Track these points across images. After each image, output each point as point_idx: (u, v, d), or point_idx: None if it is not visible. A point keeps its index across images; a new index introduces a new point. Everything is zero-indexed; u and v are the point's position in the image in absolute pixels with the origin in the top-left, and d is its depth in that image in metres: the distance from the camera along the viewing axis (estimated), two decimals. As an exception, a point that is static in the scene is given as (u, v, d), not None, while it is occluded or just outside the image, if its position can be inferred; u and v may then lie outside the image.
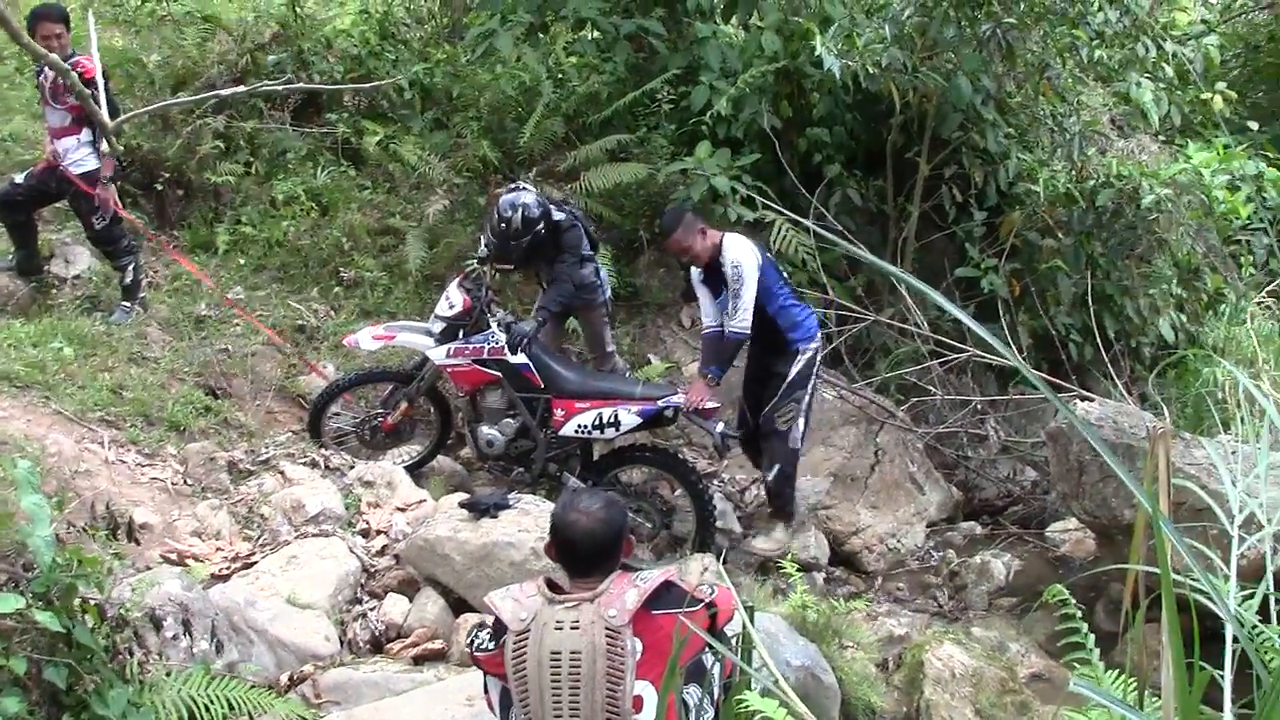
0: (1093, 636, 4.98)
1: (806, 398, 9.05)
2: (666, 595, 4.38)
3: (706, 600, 4.49)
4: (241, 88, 10.00)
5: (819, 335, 9.11)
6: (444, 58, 13.34)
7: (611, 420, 9.12)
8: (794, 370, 9.03)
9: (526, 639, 4.30)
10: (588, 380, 9.48)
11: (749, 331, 8.79)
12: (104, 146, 9.95)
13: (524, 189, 9.62)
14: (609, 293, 10.35)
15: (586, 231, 9.92)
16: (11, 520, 5.11)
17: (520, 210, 9.34)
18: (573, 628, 4.27)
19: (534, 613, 4.34)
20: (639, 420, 9.15)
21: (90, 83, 9.82)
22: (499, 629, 4.43)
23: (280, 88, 9.75)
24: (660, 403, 9.09)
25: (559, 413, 9.22)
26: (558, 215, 9.65)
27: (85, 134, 10.05)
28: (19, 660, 4.59)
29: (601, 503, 4.56)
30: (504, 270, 10.06)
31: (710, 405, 8.98)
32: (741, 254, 8.74)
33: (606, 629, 4.25)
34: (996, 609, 9.33)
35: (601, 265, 10.30)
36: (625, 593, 4.34)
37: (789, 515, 9.40)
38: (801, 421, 9.04)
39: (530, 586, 4.49)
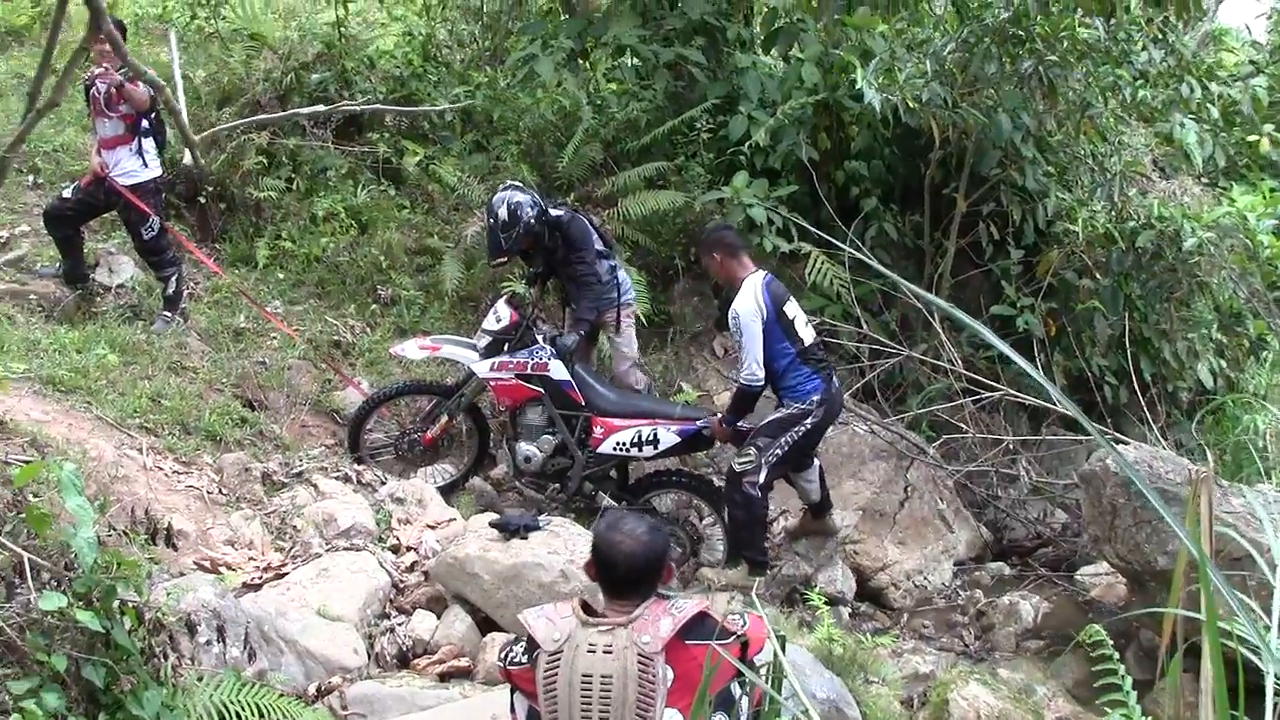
0: (1130, 680, 4.95)
1: (775, 449, 8.74)
2: (700, 626, 4.36)
3: (739, 633, 4.47)
4: (320, 107, 10.07)
5: (815, 404, 8.74)
6: (485, 81, 13.41)
7: (651, 438, 9.19)
8: (769, 417, 8.92)
9: (559, 659, 4.30)
10: (628, 399, 9.56)
11: (759, 381, 8.66)
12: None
13: (514, 186, 9.70)
14: (632, 294, 10.40)
15: (595, 228, 9.95)
16: (55, 521, 5.14)
17: (506, 204, 9.42)
18: (605, 652, 4.27)
19: (568, 634, 4.34)
20: (678, 440, 9.21)
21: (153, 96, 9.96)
22: (532, 646, 4.44)
23: (358, 108, 9.77)
24: (700, 423, 9.17)
25: (598, 430, 9.29)
26: (555, 211, 9.72)
27: (137, 144, 10.15)
28: (59, 657, 4.62)
29: (645, 526, 4.57)
30: (499, 265, 10.10)
31: (745, 428, 8.98)
32: (743, 304, 8.64)
33: (639, 655, 4.25)
34: (1023, 651, 9.24)
35: (620, 265, 10.37)
36: (660, 620, 4.33)
37: (752, 563, 9.00)
38: (762, 472, 8.71)
39: (565, 607, 4.48)
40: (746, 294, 8.66)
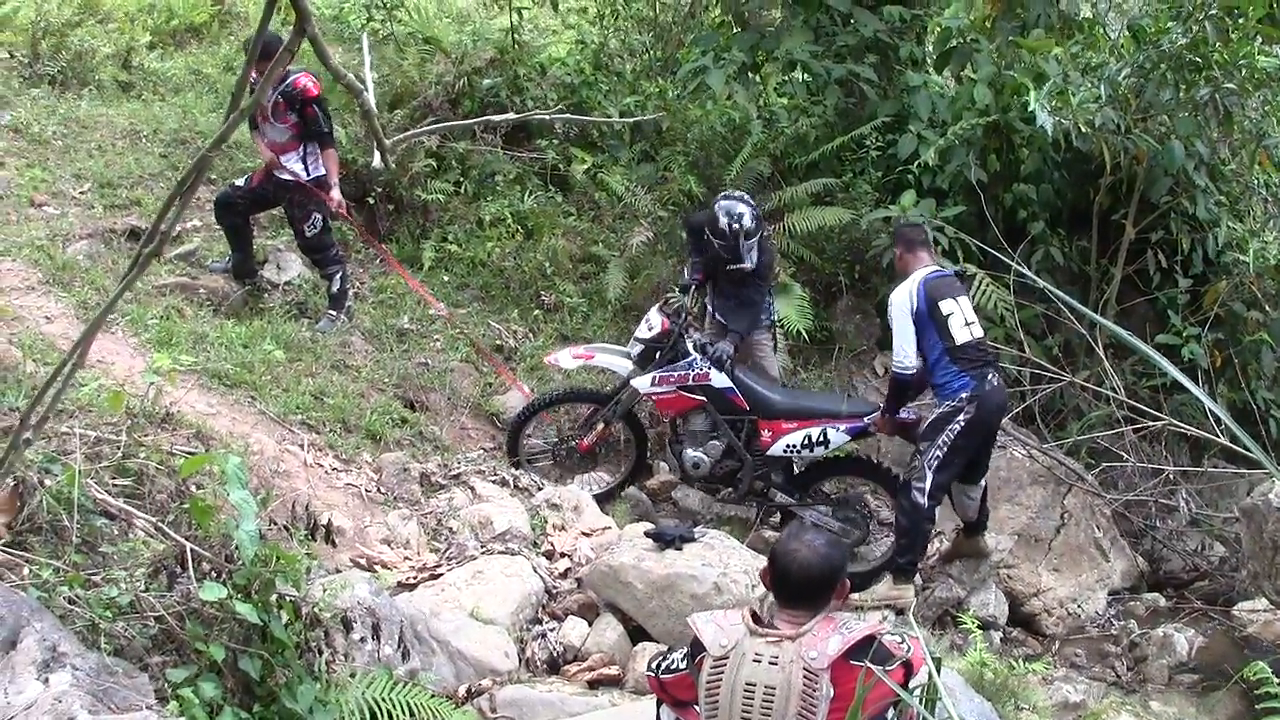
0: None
1: (934, 451, 8.74)
2: (868, 648, 4.37)
3: (903, 659, 4.47)
4: (512, 114, 10.20)
5: (964, 400, 8.68)
6: (655, 91, 13.46)
7: (821, 439, 9.29)
8: (929, 419, 8.95)
9: (724, 666, 4.34)
10: (793, 398, 9.62)
11: (909, 371, 8.71)
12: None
13: (739, 197, 9.70)
14: (775, 317, 10.44)
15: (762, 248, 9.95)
16: (217, 513, 5.25)
17: (748, 213, 9.46)
18: (771, 662, 4.30)
19: (735, 641, 4.38)
20: (847, 438, 9.35)
21: (315, 100, 10.14)
22: (696, 650, 4.47)
23: (548, 115, 9.79)
24: (867, 419, 9.26)
25: (766, 433, 9.36)
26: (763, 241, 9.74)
27: (302, 149, 10.38)
28: (218, 647, 4.70)
29: (825, 539, 4.62)
30: (737, 269, 9.73)
31: (909, 418, 9.12)
32: (897, 295, 8.74)
33: (805, 669, 4.27)
34: (1176, 685, 9.08)
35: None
36: (829, 638, 4.35)
37: (899, 571, 9.01)
38: (927, 478, 8.74)
39: (734, 615, 4.53)
40: (904, 285, 8.75)
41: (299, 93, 10.11)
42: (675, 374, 9.34)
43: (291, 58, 3.44)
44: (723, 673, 4.33)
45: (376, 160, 10.17)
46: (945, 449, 8.72)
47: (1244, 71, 10.96)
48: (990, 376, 8.79)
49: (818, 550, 4.50)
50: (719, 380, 9.30)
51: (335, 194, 10.37)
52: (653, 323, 9.47)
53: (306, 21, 3.14)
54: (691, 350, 9.38)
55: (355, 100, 3.97)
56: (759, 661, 4.31)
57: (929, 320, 8.65)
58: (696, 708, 4.48)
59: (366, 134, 12.17)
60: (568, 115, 12.81)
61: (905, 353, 8.66)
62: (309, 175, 10.36)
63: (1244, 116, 11.52)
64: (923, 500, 8.73)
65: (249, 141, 11.60)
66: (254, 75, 10.29)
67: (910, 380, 8.81)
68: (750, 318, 9.71)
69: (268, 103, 10.13)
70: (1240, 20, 10.85)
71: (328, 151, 10.44)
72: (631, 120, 12.63)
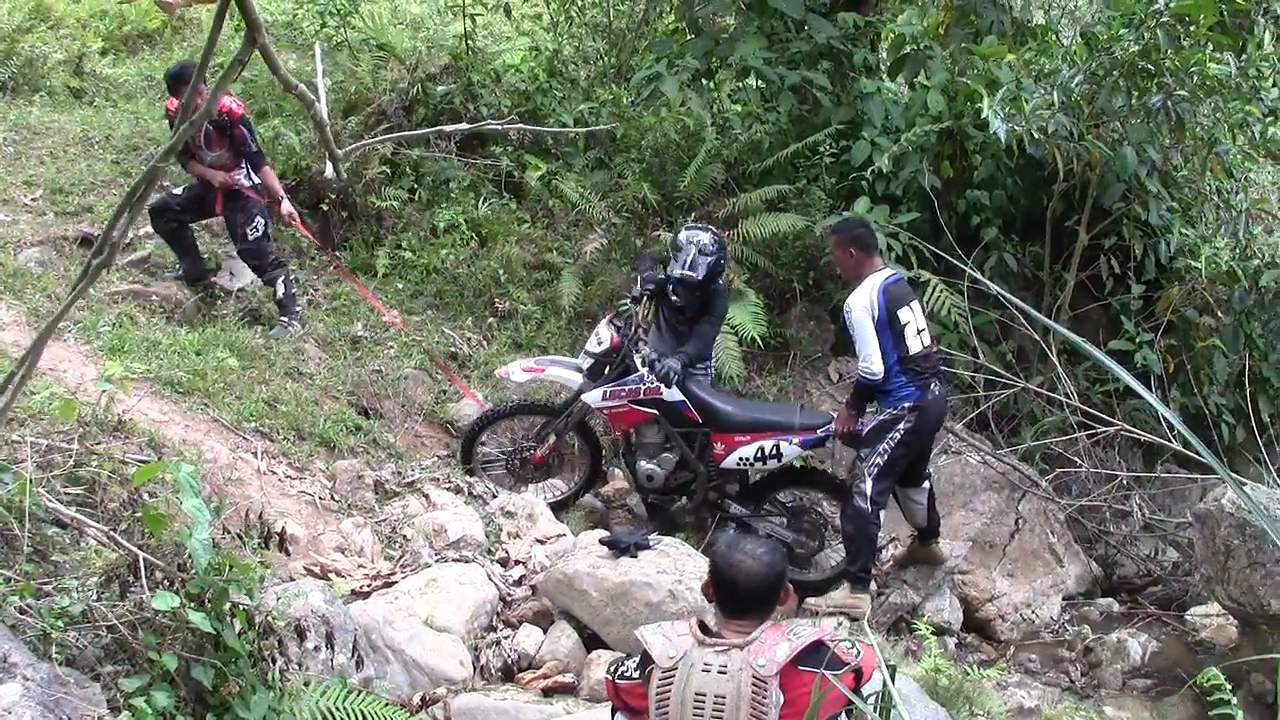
0: (1245, 723, 4.86)
1: (875, 458, 8.79)
2: (816, 654, 4.38)
3: (854, 665, 4.47)
4: (465, 124, 10.22)
5: (906, 409, 8.74)
6: (609, 98, 13.45)
7: (773, 452, 9.28)
8: (869, 425, 8.99)
9: (673, 677, 4.34)
10: (746, 410, 9.59)
11: (875, 373, 8.64)
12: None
13: (703, 227, 9.69)
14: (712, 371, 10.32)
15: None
16: (170, 521, 5.22)
17: (707, 237, 9.46)
18: (720, 672, 4.30)
19: (683, 652, 4.37)
20: (800, 451, 9.33)
21: (241, 120, 10.19)
22: (645, 662, 4.46)
23: (502, 125, 9.78)
24: (820, 431, 9.24)
25: (719, 446, 9.36)
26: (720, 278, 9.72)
27: (244, 169, 10.49)
28: (170, 657, 4.68)
29: (766, 547, 4.60)
30: (690, 281, 9.55)
31: (859, 429, 9.06)
32: (857, 300, 8.66)
33: (754, 677, 4.27)
34: (1130, 689, 9.13)
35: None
36: (777, 644, 4.36)
37: (854, 580, 9.03)
38: (868, 482, 8.78)
39: (681, 625, 4.53)
40: (862, 291, 8.69)
41: (225, 116, 10.17)
42: (626, 388, 9.33)
43: (242, 68, 3.43)
44: (671, 683, 4.33)
45: (329, 170, 10.17)
46: (886, 456, 8.78)
47: (1195, 79, 11.00)
48: (933, 386, 8.84)
49: (761, 560, 4.50)
50: (670, 394, 9.28)
51: (285, 205, 10.42)
52: (602, 337, 9.46)
53: (257, 31, 3.12)
54: (640, 365, 9.38)
55: (307, 110, 3.96)
56: (708, 671, 4.31)
57: (887, 328, 8.65)
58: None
59: (320, 141, 12.14)
60: (523, 125, 12.79)
61: (871, 358, 8.62)
62: (251, 184, 10.43)
63: (1195, 123, 11.56)
64: (865, 505, 8.76)
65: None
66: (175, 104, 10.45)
67: (877, 383, 8.77)
68: (702, 350, 9.62)
69: (200, 135, 10.16)
70: (1191, 28, 10.90)
71: (263, 170, 10.53)
72: (586, 130, 12.63)
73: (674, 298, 9.56)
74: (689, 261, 9.34)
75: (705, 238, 9.45)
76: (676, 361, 9.25)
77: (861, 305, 8.62)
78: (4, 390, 4.52)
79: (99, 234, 9.77)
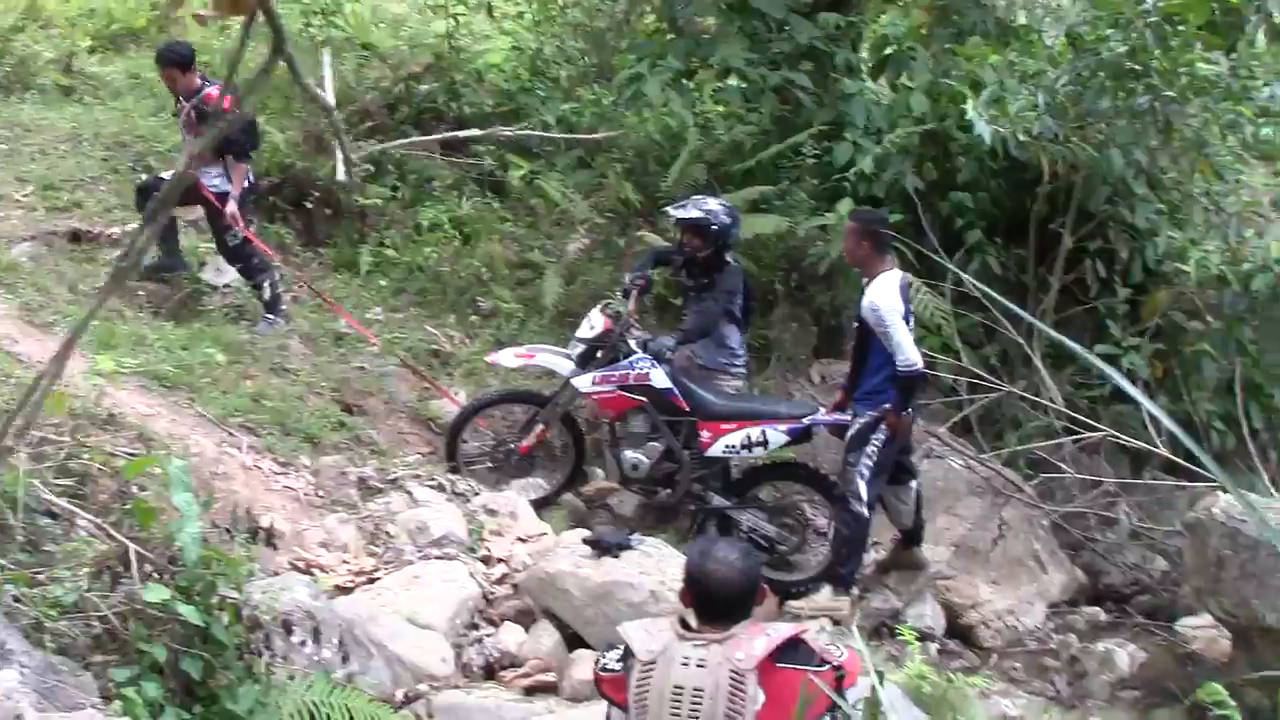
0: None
1: (864, 461, 8.84)
2: (794, 651, 4.39)
3: (835, 663, 4.44)
4: (476, 130, 10.16)
5: (885, 410, 8.82)
6: (592, 98, 13.42)
7: (760, 440, 9.31)
8: (850, 432, 9.02)
9: (652, 670, 4.33)
10: (733, 401, 9.63)
11: (916, 364, 8.70)
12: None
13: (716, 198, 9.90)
14: (744, 372, 10.34)
15: (748, 290, 10.03)
16: (160, 515, 5.20)
17: (715, 201, 9.75)
18: (699, 665, 4.29)
19: (664, 645, 4.36)
20: (786, 439, 9.34)
21: (226, 113, 10.11)
22: (627, 656, 4.45)
23: (513, 132, 9.72)
24: (806, 420, 9.30)
25: (705, 434, 9.37)
26: (729, 256, 9.81)
27: (223, 163, 10.38)
28: (159, 648, 4.71)
29: (739, 553, 4.59)
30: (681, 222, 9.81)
31: (842, 419, 9.13)
32: (886, 301, 8.66)
33: (731, 671, 4.26)
34: (1117, 701, 9.08)
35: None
36: (755, 639, 4.34)
37: (838, 582, 9.09)
38: (862, 486, 8.85)
39: (663, 621, 4.54)
40: (890, 290, 8.73)
41: (211, 107, 10.00)
42: (616, 374, 9.35)
43: (269, 77, 3.39)
44: (651, 677, 4.32)
45: (341, 174, 10.12)
46: (874, 457, 8.83)
47: (1184, 79, 11.00)
48: None
49: (735, 566, 4.49)
50: (659, 380, 9.30)
51: (231, 205, 10.25)
52: (594, 322, 9.49)
53: (284, 41, 3.08)
54: (634, 347, 9.38)
55: (326, 117, 3.96)
56: (686, 664, 4.30)
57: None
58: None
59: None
60: (532, 132, 12.72)
61: (909, 351, 8.66)
62: (214, 189, 10.36)
63: (1184, 124, 11.54)
64: (863, 509, 8.83)
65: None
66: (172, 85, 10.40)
67: (918, 374, 8.84)
68: (700, 325, 9.67)
69: (184, 116, 10.24)
70: (1180, 28, 10.89)
71: (239, 165, 10.40)
72: (582, 138, 12.61)
73: (685, 279, 9.84)
74: (684, 206, 9.59)
75: (712, 201, 9.67)
76: (670, 339, 9.32)
77: (892, 306, 8.65)
78: (34, 393, 4.53)
79: (89, 229, 9.96)
